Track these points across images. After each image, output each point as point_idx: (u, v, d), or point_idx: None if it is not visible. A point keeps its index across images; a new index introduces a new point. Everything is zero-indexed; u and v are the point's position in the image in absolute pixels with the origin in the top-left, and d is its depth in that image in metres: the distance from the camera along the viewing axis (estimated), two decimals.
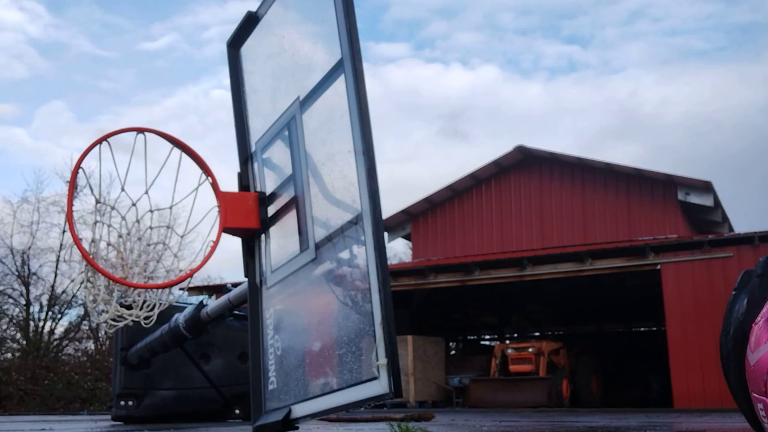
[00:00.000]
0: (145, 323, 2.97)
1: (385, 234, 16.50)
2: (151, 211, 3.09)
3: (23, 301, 21.22)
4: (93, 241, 2.95)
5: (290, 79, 2.73)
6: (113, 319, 3.03)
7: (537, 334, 19.97)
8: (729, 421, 5.13)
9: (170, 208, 3.07)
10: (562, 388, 12.64)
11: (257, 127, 3.03)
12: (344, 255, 2.40)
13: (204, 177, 2.96)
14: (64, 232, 20.08)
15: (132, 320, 2.93)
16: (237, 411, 5.07)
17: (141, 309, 2.97)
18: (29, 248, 21.21)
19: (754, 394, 1.64)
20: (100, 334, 22.22)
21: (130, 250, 3.08)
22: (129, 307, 3.04)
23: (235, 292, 3.61)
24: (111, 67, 33.72)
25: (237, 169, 3.08)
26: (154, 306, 3.03)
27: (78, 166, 2.91)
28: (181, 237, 3.04)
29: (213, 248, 2.88)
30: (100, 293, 2.97)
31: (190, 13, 35.57)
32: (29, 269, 21.28)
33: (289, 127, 2.69)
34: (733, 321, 1.97)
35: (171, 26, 35.73)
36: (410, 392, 12.97)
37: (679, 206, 14.35)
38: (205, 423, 4.68)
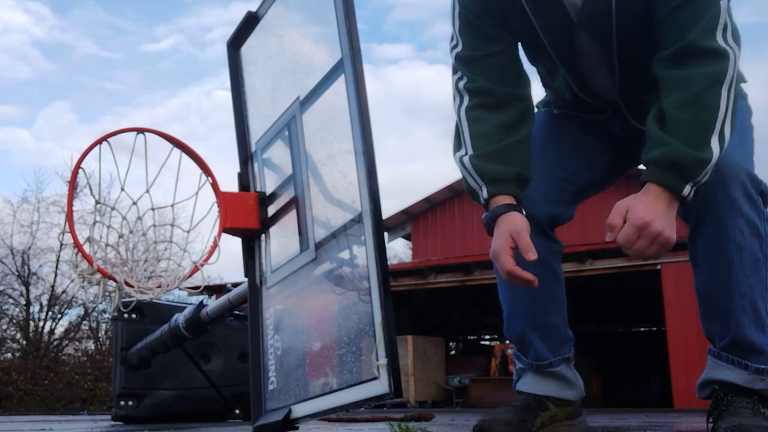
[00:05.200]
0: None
1: (385, 234, 16.50)
2: (153, 210, 3.09)
3: (23, 301, 21.25)
4: (92, 240, 2.95)
5: (290, 79, 2.73)
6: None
7: None
8: None
9: (172, 206, 3.08)
10: None
11: (257, 128, 3.03)
12: (344, 255, 2.40)
13: (204, 177, 2.97)
14: (63, 232, 20.10)
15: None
16: (237, 411, 5.07)
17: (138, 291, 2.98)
18: (29, 248, 21.24)
19: None
20: (100, 334, 22.23)
21: (131, 249, 3.08)
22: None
23: (235, 292, 3.61)
24: (114, 69, 33.68)
25: (238, 169, 3.08)
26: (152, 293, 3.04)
27: (78, 166, 2.91)
28: (187, 232, 3.05)
29: (213, 248, 2.88)
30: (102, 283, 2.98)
31: (193, 15, 35.55)
32: (29, 269, 21.32)
33: (289, 127, 2.70)
34: None
35: (174, 28, 35.72)
36: (410, 392, 12.97)
37: None
38: (205, 423, 4.68)
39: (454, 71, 1.84)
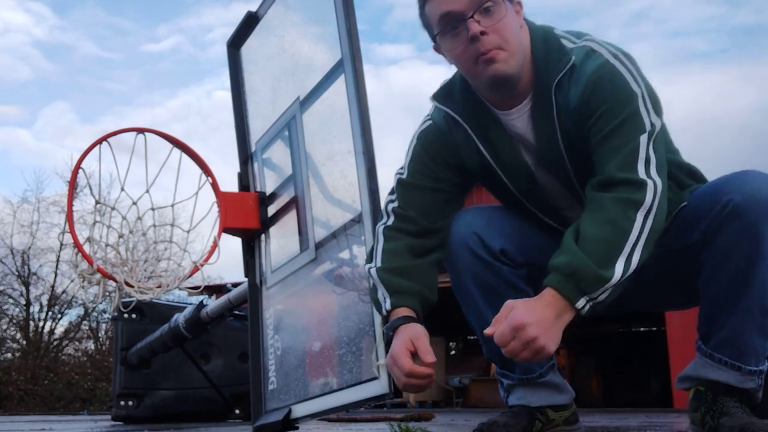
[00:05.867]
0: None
1: None
2: (153, 209, 3.10)
3: (23, 301, 21.22)
4: (92, 240, 2.95)
5: (290, 79, 2.73)
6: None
7: None
8: None
9: (172, 206, 3.08)
10: None
11: (257, 128, 3.03)
12: (344, 255, 2.40)
13: (204, 177, 2.97)
14: (63, 232, 20.04)
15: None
16: (237, 411, 5.07)
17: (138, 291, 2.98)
18: (29, 248, 21.20)
19: None
20: (100, 334, 22.22)
21: (131, 249, 3.08)
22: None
23: (235, 292, 3.61)
24: (115, 69, 33.53)
25: (238, 169, 3.08)
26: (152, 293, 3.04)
27: (78, 167, 2.91)
28: (187, 232, 3.06)
29: (213, 248, 2.88)
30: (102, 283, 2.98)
31: (193, 15, 35.33)
32: (29, 269, 21.27)
33: (289, 127, 2.70)
34: None
35: (175, 28, 35.53)
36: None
37: None
38: (205, 423, 4.68)
39: (392, 193, 1.92)
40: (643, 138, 1.60)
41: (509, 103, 1.77)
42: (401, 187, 1.89)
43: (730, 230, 1.61)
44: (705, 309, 1.72)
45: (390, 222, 1.87)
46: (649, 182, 1.57)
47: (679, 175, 1.81)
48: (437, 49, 1.82)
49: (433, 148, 1.88)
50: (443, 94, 1.88)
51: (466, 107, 1.83)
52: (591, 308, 1.54)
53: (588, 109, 1.65)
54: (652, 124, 1.62)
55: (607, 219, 1.56)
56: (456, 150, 1.87)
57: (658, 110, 1.65)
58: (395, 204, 1.88)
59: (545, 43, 1.74)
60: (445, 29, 1.72)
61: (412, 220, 1.85)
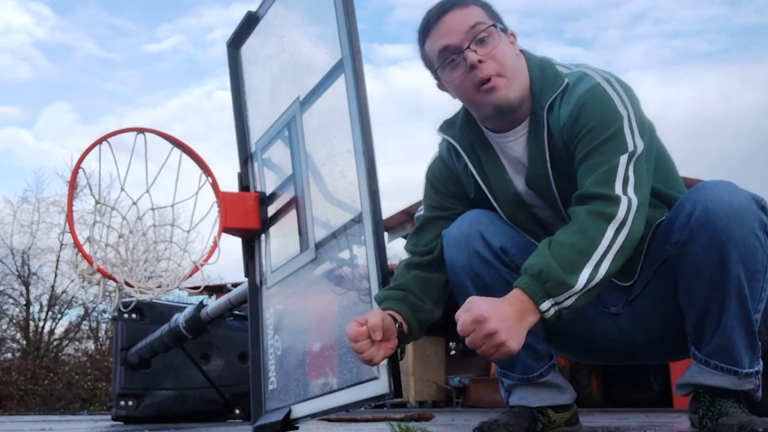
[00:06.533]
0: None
1: (385, 234, 16.39)
2: (153, 210, 3.09)
3: (23, 301, 21.23)
4: (92, 240, 2.95)
5: (290, 79, 2.73)
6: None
7: None
8: None
9: (172, 206, 3.08)
10: None
11: (257, 128, 3.03)
12: (344, 255, 2.40)
13: (204, 177, 2.97)
14: (63, 232, 20.03)
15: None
16: (237, 411, 5.07)
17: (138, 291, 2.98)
18: (29, 248, 21.22)
19: None
20: (100, 334, 22.23)
21: (131, 249, 3.08)
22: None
23: (235, 292, 3.62)
24: (116, 69, 33.50)
25: (238, 169, 3.08)
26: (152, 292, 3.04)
27: (78, 166, 2.91)
28: (187, 232, 3.06)
29: (213, 248, 2.88)
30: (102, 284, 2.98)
31: (194, 15, 35.28)
32: (29, 269, 21.29)
33: (289, 127, 2.70)
34: None
35: (176, 28, 35.50)
36: (410, 392, 12.98)
37: None
38: (205, 423, 4.68)
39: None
40: (623, 158, 1.65)
41: (508, 127, 1.86)
42: (417, 222, 2.04)
43: (700, 241, 1.64)
44: (691, 320, 1.74)
45: (408, 257, 2.01)
46: (624, 198, 1.61)
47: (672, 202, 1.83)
48: (440, 86, 1.90)
49: (437, 180, 2.01)
50: (446, 125, 1.99)
51: (464, 134, 1.92)
52: (557, 313, 1.56)
53: (575, 128, 1.71)
54: (635, 146, 1.66)
55: (579, 228, 1.61)
56: (458, 179, 1.97)
57: (644, 134, 1.69)
58: (409, 244, 2.04)
59: (542, 71, 1.82)
60: (444, 62, 1.80)
61: (414, 252, 1.99)
